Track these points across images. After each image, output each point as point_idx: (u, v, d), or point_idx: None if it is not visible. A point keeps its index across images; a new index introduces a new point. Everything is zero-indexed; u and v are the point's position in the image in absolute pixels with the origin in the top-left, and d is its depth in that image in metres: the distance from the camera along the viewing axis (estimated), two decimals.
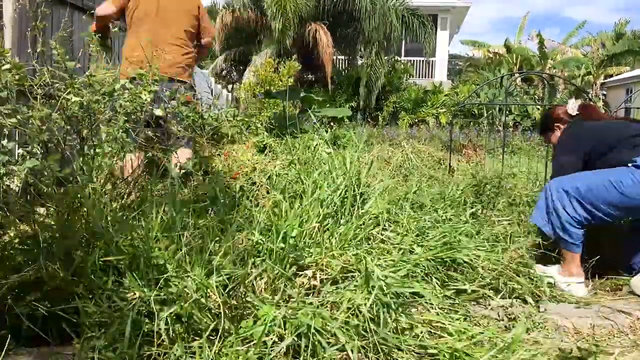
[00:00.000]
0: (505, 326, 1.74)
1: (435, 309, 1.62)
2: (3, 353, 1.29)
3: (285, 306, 1.43)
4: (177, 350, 1.30)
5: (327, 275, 1.61)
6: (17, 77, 1.83)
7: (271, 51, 13.54)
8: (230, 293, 1.46)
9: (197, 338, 1.35)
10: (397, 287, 1.54)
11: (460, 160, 5.29)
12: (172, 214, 1.69)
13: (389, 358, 1.39)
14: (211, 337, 1.34)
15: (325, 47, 13.04)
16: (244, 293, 1.46)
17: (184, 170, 2.26)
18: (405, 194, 2.43)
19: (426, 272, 1.85)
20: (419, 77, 18.44)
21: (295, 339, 1.34)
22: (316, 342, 1.33)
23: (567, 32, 21.76)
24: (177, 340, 1.31)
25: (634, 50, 19.25)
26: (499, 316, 1.81)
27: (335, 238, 1.83)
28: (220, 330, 1.34)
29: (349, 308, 1.42)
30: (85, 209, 1.63)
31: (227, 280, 1.46)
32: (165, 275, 1.40)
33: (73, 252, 1.51)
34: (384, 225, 2.08)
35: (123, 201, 1.98)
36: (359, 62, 15.70)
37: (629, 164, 2.20)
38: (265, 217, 1.81)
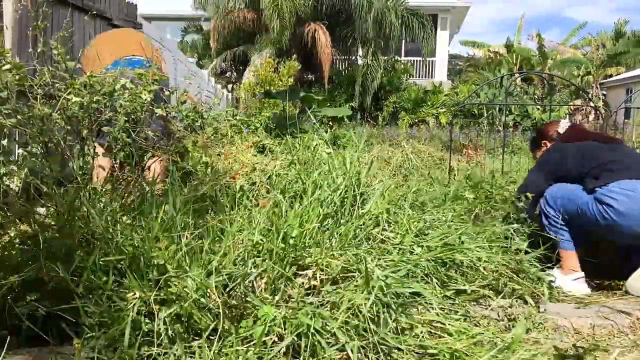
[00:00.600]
0: (505, 326, 1.74)
1: (435, 309, 1.62)
2: (3, 353, 1.29)
3: (285, 306, 1.43)
4: (177, 350, 1.30)
5: (327, 275, 1.61)
6: (17, 77, 1.83)
7: (270, 51, 13.54)
8: (230, 293, 1.46)
9: (197, 338, 1.35)
10: (397, 287, 1.54)
11: (460, 160, 5.29)
12: (172, 214, 1.69)
13: (389, 358, 1.39)
14: (211, 337, 1.34)
15: (324, 47, 13.05)
16: (244, 293, 1.46)
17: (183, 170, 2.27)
18: (405, 194, 2.43)
19: (426, 272, 1.85)
20: (419, 77, 18.45)
21: (295, 339, 1.34)
22: (316, 342, 1.34)
23: (567, 32, 21.80)
24: (177, 340, 1.31)
25: (634, 50, 19.26)
26: (499, 316, 1.81)
27: (335, 238, 1.83)
28: (220, 330, 1.34)
29: (349, 308, 1.42)
30: (85, 209, 1.64)
31: (227, 280, 1.46)
32: (165, 276, 1.40)
33: (73, 252, 1.51)
34: (384, 226, 2.08)
35: (123, 201, 1.98)
36: (359, 62, 15.70)
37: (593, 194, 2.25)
38: (265, 217, 1.81)
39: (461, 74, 22.59)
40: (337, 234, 1.86)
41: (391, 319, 1.44)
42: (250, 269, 1.51)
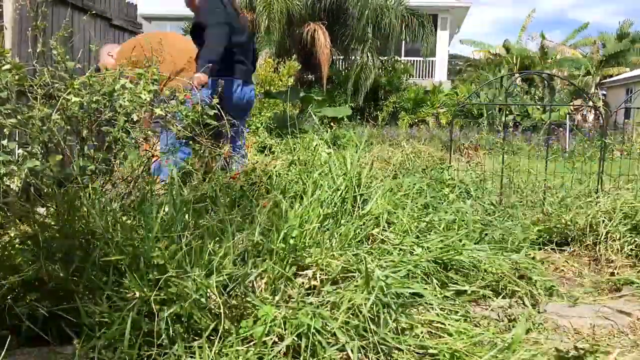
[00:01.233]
0: (505, 327, 1.74)
1: (435, 310, 1.62)
2: (3, 353, 1.29)
3: (285, 306, 1.43)
4: (177, 350, 1.30)
5: (327, 275, 1.61)
6: (17, 77, 1.83)
7: (270, 51, 13.53)
8: (230, 293, 1.46)
9: (197, 338, 1.35)
10: (397, 288, 1.54)
11: (460, 160, 5.29)
12: (172, 214, 1.69)
13: (389, 358, 1.39)
14: (211, 337, 1.34)
15: (323, 47, 13.04)
16: (244, 293, 1.46)
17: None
18: (405, 194, 2.43)
19: (426, 272, 1.85)
20: (419, 77, 18.45)
21: (295, 339, 1.34)
22: (316, 342, 1.34)
23: (568, 33, 21.80)
24: (177, 340, 1.31)
25: (634, 50, 19.27)
26: (499, 317, 1.81)
27: (336, 238, 1.83)
28: (220, 330, 1.34)
29: (349, 308, 1.42)
30: (85, 209, 1.63)
31: (227, 280, 1.46)
32: (165, 275, 1.40)
33: (73, 252, 1.51)
34: (384, 226, 2.08)
35: (123, 201, 1.98)
36: (358, 62, 15.70)
37: None
38: (265, 217, 1.81)
39: (461, 73, 22.59)
40: (337, 234, 1.86)
41: (391, 319, 1.44)
42: (250, 269, 1.51)
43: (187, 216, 1.73)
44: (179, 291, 1.37)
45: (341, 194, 2.10)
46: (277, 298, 1.48)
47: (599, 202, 2.83)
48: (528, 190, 3.43)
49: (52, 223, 1.62)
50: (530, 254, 2.33)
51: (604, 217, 2.67)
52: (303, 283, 1.57)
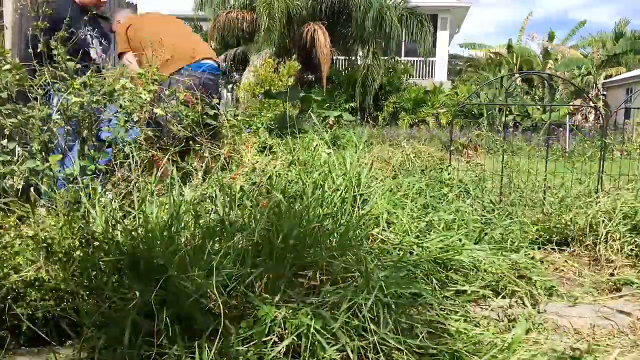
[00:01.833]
0: (505, 327, 1.74)
1: (435, 310, 1.62)
2: (3, 353, 1.29)
3: (285, 306, 1.43)
4: (177, 350, 1.30)
5: (327, 275, 1.61)
6: (17, 77, 1.83)
7: (270, 51, 13.53)
8: (231, 293, 1.46)
9: (197, 338, 1.35)
10: (397, 288, 1.54)
11: (460, 160, 5.29)
12: (173, 214, 1.69)
13: (389, 358, 1.39)
14: (211, 337, 1.34)
15: (323, 47, 13.03)
16: (244, 293, 1.46)
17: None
18: (405, 195, 2.43)
19: (426, 272, 1.85)
20: (419, 77, 18.43)
21: (295, 339, 1.34)
22: (316, 342, 1.33)
23: (568, 33, 21.75)
24: (177, 340, 1.31)
25: (634, 50, 19.26)
26: (498, 317, 1.81)
27: (336, 238, 1.83)
28: (220, 330, 1.34)
29: (349, 308, 1.42)
30: (85, 209, 1.64)
31: (227, 280, 1.46)
32: (165, 275, 1.40)
33: (73, 252, 1.51)
34: (384, 226, 2.08)
35: (123, 201, 1.98)
36: (359, 62, 15.69)
37: None
38: (265, 217, 1.81)
39: (461, 73, 22.59)
40: (337, 234, 1.86)
41: (391, 319, 1.44)
42: (250, 269, 1.51)
43: (187, 216, 1.73)
44: (179, 291, 1.37)
45: (341, 194, 2.10)
46: (277, 298, 1.48)
47: (599, 202, 2.83)
48: (528, 190, 3.43)
49: (52, 223, 1.62)
50: (530, 254, 2.33)
51: (604, 217, 2.67)
52: (303, 283, 1.57)
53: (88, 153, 2.03)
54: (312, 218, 1.84)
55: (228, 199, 2.02)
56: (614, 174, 3.50)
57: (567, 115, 12.10)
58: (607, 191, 3.10)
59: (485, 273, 1.98)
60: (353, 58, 16.06)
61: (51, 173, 1.79)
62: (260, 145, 4.03)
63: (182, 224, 1.68)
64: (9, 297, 1.44)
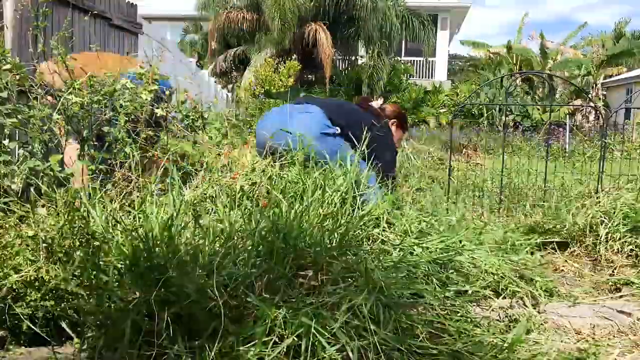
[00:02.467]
0: (506, 327, 1.74)
1: (436, 310, 1.62)
2: (3, 353, 1.29)
3: (285, 306, 1.43)
4: (177, 350, 1.29)
5: (327, 275, 1.61)
6: (17, 77, 1.83)
7: (271, 51, 13.54)
8: (231, 293, 1.46)
9: (197, 338, 1.35)
10: (397, 288, 1.54)
11: (460, 160, 5.29)
12: (172, 214, 1.69)
13: (389, 359, 1.39)
14: (212, 337, 1.34)
15: (325, 47, 13.04)
16: (244, 293, 1.46)
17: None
18: (405, 195, 2.43)
19: (426, 273, 1.85)
20: (419, 77, 18.44)
21: (296, 339, 1.33)
22: (316, 343, 1.33)
23: (569, 34, 21.77)
24: (177, 340, 1.31)
25: (633, 50, 19.25)
26: (499, 317, 1.81)
27: (336, 238, 1.83)
28: (220, 330, 1.34)
29: (349, 308, 1.42)
30: (85, 209, 1.63)
31: (227, 280, 1.46)
32: (165, 275, 1.40)
33: (73, 252, 1.51)
34: (384, 227, 2.08)
35: (123, 201, 1.98)
36: (359, 62, 15.69)
37: None
38: (265, 217, 1.81)
39: (461, 73, 22.58)
40: (337, 234, 1.86)
41: (391, 319, 1.44)
42: (250, 269, 1.51)
43: (187, 216, 1.73)
44: (179, 291, 1.37)
45: (341, 194, 2.10)
46: (277, 298, 1.47)
47: (599, 202, 2.83)
48: (528, 190, 3.44)
49: (52, 223, 1.62)
50: (530, 255, 2.33)
51: (604, 217, 2.67)
52: (303, 283, 1.57)
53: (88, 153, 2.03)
54: (312, 218, 1.84)
55: (228, 199, 2.02)
56: (614, 174, 3.50)
57: (567, 115, 12.10)
58: (607, 191, 3.10)
59: (485, 274, 1.98)
60: (353, 58, 16.06)
61: (51, 173, 1.79)
62: None
63: (182, 224, 1.68)
64: (9, 297, 1.44)
